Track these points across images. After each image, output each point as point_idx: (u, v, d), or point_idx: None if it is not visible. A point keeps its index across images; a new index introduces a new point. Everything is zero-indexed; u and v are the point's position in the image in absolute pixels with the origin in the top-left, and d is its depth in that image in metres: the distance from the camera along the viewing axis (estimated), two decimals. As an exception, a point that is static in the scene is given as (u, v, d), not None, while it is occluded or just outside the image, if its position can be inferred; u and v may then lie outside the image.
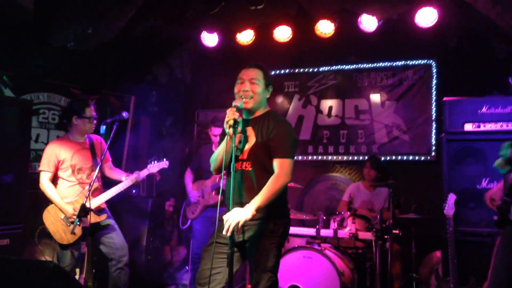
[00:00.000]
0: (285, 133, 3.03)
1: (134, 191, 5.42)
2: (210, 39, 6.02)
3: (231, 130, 2.84)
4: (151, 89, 6.60)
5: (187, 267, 5.15)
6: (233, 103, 3.00)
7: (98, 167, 3.99)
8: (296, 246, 4.69)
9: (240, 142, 3.05)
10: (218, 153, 3.14)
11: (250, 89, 3.08)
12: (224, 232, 2.76)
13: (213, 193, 4.80)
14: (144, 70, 6.51)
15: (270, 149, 2.98)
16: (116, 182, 4.30)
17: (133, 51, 5.84)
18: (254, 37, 5.96)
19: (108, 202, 4.28)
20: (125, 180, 4.27)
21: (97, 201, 4.13)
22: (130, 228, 5.04)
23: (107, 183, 4.40)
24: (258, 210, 2.83)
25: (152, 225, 5.27)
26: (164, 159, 4.44)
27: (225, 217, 2.79)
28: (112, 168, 4.48)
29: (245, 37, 5.97)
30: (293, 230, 4.89)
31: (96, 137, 4.40)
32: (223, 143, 3.03)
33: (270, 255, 2.99)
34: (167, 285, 5.62)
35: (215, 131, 4.82)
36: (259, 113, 3.15)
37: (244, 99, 3.06)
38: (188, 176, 5.11)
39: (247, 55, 6.39)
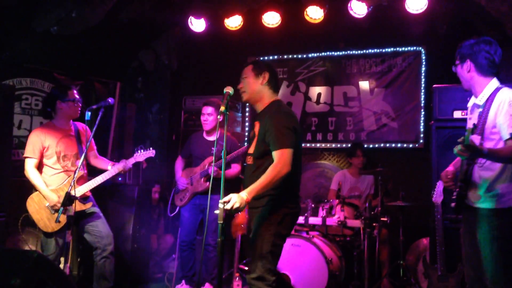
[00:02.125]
0: (278, 125, 3.05)
1: (120, 179, 5.36)
2: (197, 24, 5.91)
3: (222, 115, 2.99)
4: (137, 76, 6.50)
5: (173, 255, 5.11)
6: (225, 90, 3.12)
7: (83, 155, 3.92)
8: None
9: (252, 135, 3.26)
10: None
11: (241, 86, 3.33)
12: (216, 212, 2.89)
13: (202, 180, 4.75)
14: (130, 56, 6.40)
15: (268, 143, 3.06)
16: (102, 171, 4.23)
17: (119, 36, 5.72)
18: (242, 22, 5.87)
19: (93, 190, 4.21)
20: (111, 169, 4.20)
21: (82, 189, 4.05)
22: (115, 216, 4.97)
23: (93, 171, 4.33)
24: (256, 198, 2.94)
25: (139, 213, 5.21)
26: (151, 148, 4.40)
27: (220, 201, 2.86)
28: (98, 157, 4.40)
29: (233, 22, 5.88)
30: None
31: (82, 125, 4.32)
32: None
33: (265, 242, 3.02)
34: (153, 274, 5.58)
35: (203, 109, 4.87)
36: (264, 105, 3.28)
37: (241, 97, 3.35)
38: (179, 163, 5.06)
39: (235, 41, 6.32)
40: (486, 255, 2.89)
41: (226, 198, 2.87)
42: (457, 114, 4.25)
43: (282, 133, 3.03)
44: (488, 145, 2.85)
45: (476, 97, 3.02)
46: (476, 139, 2.76)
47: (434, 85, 4.40)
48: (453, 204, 2.96)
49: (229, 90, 3.10)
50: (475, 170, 2.92)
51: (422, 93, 6.00)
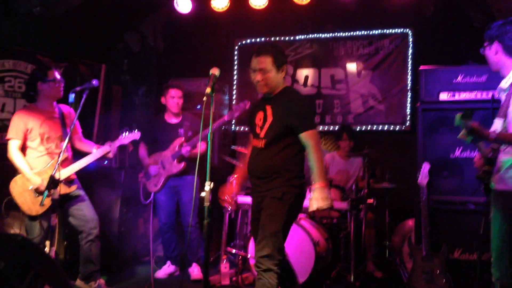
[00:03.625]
0: (302, 107, 3.19)
1: (106, 162, 5.31)
2: (183, 5, 5.84)
3: (208, 97, 2.95)
4: (122, 58, 6.41)
5: (161, 237, 5.10)
6: (211, 71, 3.06)
7: (67, 137, 3.86)
8: (271, 216, 4.67)
9: (260, 119, 3.23)
10: None
11: (261, 79, 3.17)
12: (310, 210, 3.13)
13: (175, 161, 4.76)
14: (115, 37, 6.31)
15: (291, 127, 3.12)
16: (87, 154, 4.19)
17: (103, 17, 5.63)
18: (229, 3, 5.81)
19: (78, 173, 4.17)
20: (96, 151, 4.16)
21: (66, 172, 4.01)
22: (102, 200, 4.94)
23: (78, 154, 4.28)
24: (268, 180, 3.14)
25: (125, 197, 5.18)
26: (136, 130, 4.36)
27: (206, 183, 2.87)
28: (82, 140, 4.35)
29: (220, 3, 5.82)
30: (268, 200, 4.88)
31: (66, 107, 4.26)
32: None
33: (278, 221, 3.07)
34: (141, 257, 5.58)
35: (173, 92, 4.88)
36: (276, 91, 3.26)
37: (259, 88, 3.22)
38: (142, 150, 4.99)
39: (222, 23, 6.26)
40: (494, 234, 2.94)
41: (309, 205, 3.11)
42: (443, 96, 4.25)
43: (309, 114, 3.26)
44: None
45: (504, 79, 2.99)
46: (498, 122, 2.75)
47: (420, 67, 4.40)
48: (482, 187, 2.98)
49: (215, 72, 3.05)
50: (500, 154, 2.92)
51: (409, 76, 6.01)
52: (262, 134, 3.20)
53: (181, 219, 5.02)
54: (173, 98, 4.87)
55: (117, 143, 4.25)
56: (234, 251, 4.81)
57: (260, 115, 3.26)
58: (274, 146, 3.15)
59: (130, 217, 5.29)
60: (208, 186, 2.83)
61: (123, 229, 5.14)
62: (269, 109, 3.21)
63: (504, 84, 2.94)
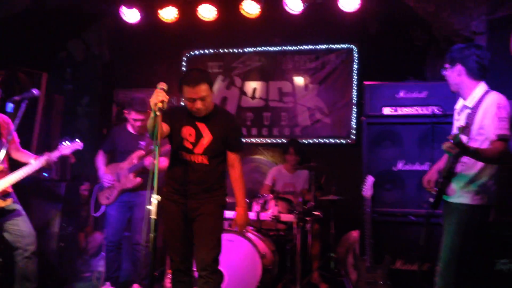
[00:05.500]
0: (238, 128, 3.57)
1: (45, 174, 5.08)
2: (130, 14, 5.73)
3: (158, 113, 2.85)
4: (65, 66, 6.21)
5: (103, 253, 4.89)
6: (159, 86, 2.95)
7: (3, 148, 3.67)
8: (218, 229, 4.63)
9: (190, 134, 3.29)
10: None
11: (203, 106, 3.23)
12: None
13: (131, 175, 4.55)
14: (57, 45, 6.11)
15: (228, 144, 3.36)
16: (25, 166, 3.99)
17: (46, 24, 5.44)
18: (177, 15, 5.75)
19: (15, 186, 3.96)
20: (34, 163, 3.97)
21: (2, 184, 3.80)
22: (40, 214, 4.72)
23: (15, 166, 4.07)
24: (210, 190, 3.34)
25: (66, 211, 4.98)
26: (77, 140, 4.17)
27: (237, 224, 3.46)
28: (20, 150, 4.14)
29: (168, 14, 5.74)
30: (215, 213, 4.82)
31: (3, 116, 4.05)
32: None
33: (220, 226, 3.42)
34: (81, 273, 5.36)
35: (135, 116, 4.57)
36: (209, 110, 3.36)
37: (198, 113, 3.27)
38: (100, 159, 4.74)
39: (170, 33, 6.19)
40: (445, 245, 3.03)
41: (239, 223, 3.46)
42: (386, 111, 4.37)
43: (241, 136, 3.62)
44: (473, 145, 2.93)
45: (464, 99, 3.11)
46: (463, 138, 2.85)
47: (365, 82, 4.51)
48: (431, 199, 3.06)
49: (163, 86, 2.96)
50: (458, 167, 3.01)
51: (354, 90, 6.15)
52: (199, 150, 3.29)
53: (131, 236, 4.82)
54: (134, 121, 4.59)
55: (57, 153, 4.06)
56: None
57: (189, 130, 3.30)
58: (214, 161, 3.34)
59: (71, 232, 5.08)
60: (155, 199, 2.75)
61: (63, 244, 4.92)
62: (203, 127, 3.30)
63: (468, 103, 3.07)
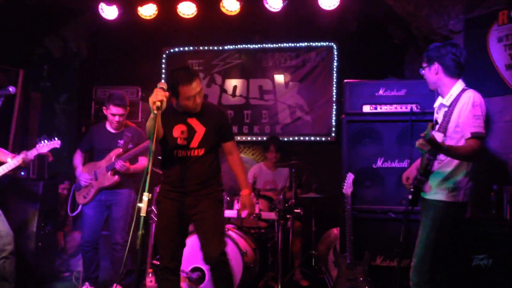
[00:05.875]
0: (227, 119, 3.65)
1: (22, 173, 4.99)
2: (109, 11, 5.64)
3: (158, 112, 2.88)
4: (42, 63, 6.09)
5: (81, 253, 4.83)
6: (159, 85, 2.94)
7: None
8: (198, 227, 4.61)
9: (182, 132, 3.32)
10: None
11: (200, 100, 3.32)
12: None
13: (109, 173, 4.49)
14: (34, 42, 5.99)
15: (222, 134, 3.44)
16: (1, 164, 3.92)
17: (22, 20, 5.33)
18: (157, 11, 5.69)
19: (-10, 185, 3.89)
20: (11, 161, 3.90)
21: (-23, 184, 3.73)
22: (17, 213, 4.64)
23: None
24: (207, 185, 3.39)
25: (44, 210, 4.90)
26: (56, 138, 4.11)
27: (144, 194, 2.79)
28: (-4, 148, 4.07)
29: (147, 11, 5.67)
30: (196, 211, 4.80)
31: (-23, 114, 3.97)
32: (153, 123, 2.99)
33: (222, 220, 3.58)
34: (60, 273, 5.29)
35: (114, 110, 4.51)
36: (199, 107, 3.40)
37: (196, 108, 3.32)
38: (78, 158, 4.67)
39: (149, 31, 6.14)
40: (420, 241, 3.07)
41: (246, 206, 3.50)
42: (366, 109, 4.40)
43: (231, 125, 3.74)
44: (449, 143, 2.97)
45: (443, 97, 3.15)
46: (438, 136, 2.88)
47: (345, 80, 4.53)
48: (410, 196, 3.09)
49: (163, 86, 2.94)
50: (435, 165, 3.06)
51: (334, 88, 6.19)
52: (195, 144, 3.33)
53: (109, 236, 4.76)
54: (113, 116, 4.50)
55: (34, 152, 4.00)
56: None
57: (180, 127, 3.33)
58: (209, 154, 3.39)
59: (49, 231, 5.00)
60: (146, 196, 2.71)
61: (41, 244, 4.85)
62: (194, 122, 3.35)
63: (445, 101, 3.11)
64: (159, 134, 3.23)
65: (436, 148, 2.83)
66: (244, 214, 3.55)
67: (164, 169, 3.47)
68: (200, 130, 3.34)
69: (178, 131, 3.32)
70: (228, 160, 3.56)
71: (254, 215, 3.44)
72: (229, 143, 3.52)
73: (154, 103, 2.85)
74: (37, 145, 4.05)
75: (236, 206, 4.90)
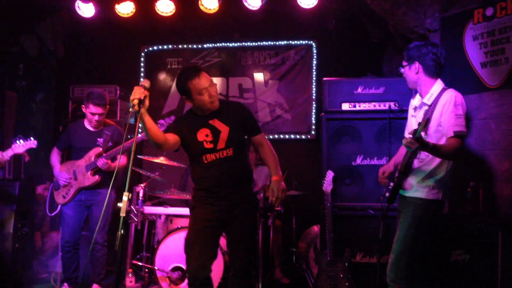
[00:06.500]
0: (250, 112, 3.43)
1: (-2, 173, 4.91)
2: (86, 9, 5.56)
3: (136, 108, 2.80)
4: (18, 62, 5.98)
5: (61, 253, 4.77)
6: (140, 83, 2.89)
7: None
8: (179, 226, 4.59)
9: (207, 135, 3.23)
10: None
11: (216, 92, 3.23)
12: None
13: (89, 173, 4.44)
14: (9, 40, 5.88)
15: (249, 128, 3.33)
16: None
17: (-4, 18, 5.23)
18: (134, 9, 5.63)
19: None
20: (-14, 162, 3.83)
21: (-49, 186, 3.65)
22: (-7, 214, 4.57)
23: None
24: (238, 184, 3.28)
25: (20, 211, 4.82)
26: (32, 138, 4.05)
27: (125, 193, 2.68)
28: (-30, 148, 3.99)
29: (125, 9, 5.61)
30: (176, 210, 4.80)
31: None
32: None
33: (254, 233, 3.52)
34: (38, 274, 5.20)
35: (94, 109, 4.45)
36: (216, 106, 3.28)
37: (213, 106, 3.22)
38: (55, 157, 4.60)
39: (127, 29, 6.08)
40: (399, 237, 3.11)
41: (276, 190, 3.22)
42: (345, 106, 4.43)
43: (256, 121, 3.44)
44: (430, 141, 2.98)
45: (422, 96, 3.19)
46: (421, 134, 2.91)
47: (324, 78, 4.56)
48: (387, 194, 3.11)
49: (145, 84, 2.88)
50: (415, 163, 3.10)
51: (313, 86, 6.22)
52: (222, 145, 3.23)
53: (89, 234, 4.70)
54: (93, 115, 4.46)
55: (9, 152, 3.95)
56: (140, 263, 4.66)
57: (204, 131, 3.24)
58: (238, 153, 3.28)
59: (26, 232, 4.92)
60: (126, 196, 2.68)
61: (18, 245, 4.77)
62: (217, 122, 3.25)
63: (426, 100, 3.15)
64: (172, 147, 3.20)
65: (423, 146, 2.86)
66: (271, 197, 3.25)
67: (194, 176, 3.35)
68: (224, 129, 3.25)
69: (202, 135, 3.24)
70: (260, 153, 3.49)
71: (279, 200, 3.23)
72: (258, 136, 3.39)
73: (132, 101, 2.81)
74: (13, 145, 3.99)
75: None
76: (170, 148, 3.23)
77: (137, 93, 2.81)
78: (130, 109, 2.84)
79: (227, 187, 3.25)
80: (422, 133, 2.86)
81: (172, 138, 3.19)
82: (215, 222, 3.24)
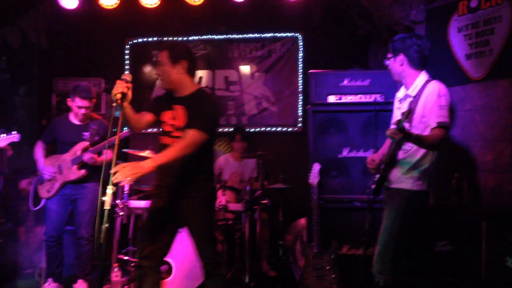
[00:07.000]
0: (204, 108, 3.08)
1: (-20, 168, 4.83)
2: (68, 0, 5.49)
3: (120, 102, 2.80)
4: (0, 55, 5.88)
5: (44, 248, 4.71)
6: (122, 76, 2.88)
7: None
8: (165, 220, 4.56)
9: (170, 118, 3.12)
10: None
11: (157, 72, 3.21)
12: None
13: (75, 167, 4.39)
14: (-10, 32, 5.78)
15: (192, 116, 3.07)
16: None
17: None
18: (118, 1, 5.56)
19: None
20: (-33, 156, 3.76)
21: None
22: (-25, 210, 4.50)
23: None
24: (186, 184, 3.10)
25: (4, 205, 4.75)
26: (14, 132, 3.98)
27: (108, 186, 2.59)
28: (-49, 143, 3.91)
29: (108, 0, 5.54)
30: (162, 204, 4.75)
31: None
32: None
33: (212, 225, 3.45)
34: (22, 269, 5.14)
35: (80, 102, 4.39)
36: (186, 91, 3.16)
37: (163, 83, 3.18)
38: (39, 150, 4.52)
39: (111, 21, 6.00)
40: (384, 229, 3.13)
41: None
42: (331, 99, 4.42)
43: (206, 117, 3.05)
44: (414, 132, 3.00)
45: (407, 88, 3.20)
46: (405, 125, 2.91)
47: (310, 71, 4.55)
48: (373, 186, 3.11)
49: (126, 77, 2.88)
50: (400, 154, 3.10)
51: (299, 78, 6.21)
52: (178, 133, 3.09)
53: (74, 230, 4.65)
54: (79, 109, 4.39)
55: (-9, 146, 3.88)
56: (126, 258, 4.62)
57: (169, 114, 3.14)
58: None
59: (9, 227, 4.86)
60: (110, 189, 2.64)
61: (1, 240, 4.71)
62: (179, 109, 3.10)
63: (411, 92, 3.16)
64: (145, 124, 3.15)
65: (407, 137, 2.87)
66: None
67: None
68: (183, 118, 3.14)
69: (167, 116, 3.19)
70: None
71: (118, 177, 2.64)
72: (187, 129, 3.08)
73: (114, 95, 2.79)
74: (-5, 139, 3.92)
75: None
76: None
77: (120, 87, 2.80)
78: (114, 104, 2.82)
79: (172, 179, 3.15)
80: (406, 124, 2.87)
81: (149, 116, 3.20)
82: (169, 210, 3.21)
